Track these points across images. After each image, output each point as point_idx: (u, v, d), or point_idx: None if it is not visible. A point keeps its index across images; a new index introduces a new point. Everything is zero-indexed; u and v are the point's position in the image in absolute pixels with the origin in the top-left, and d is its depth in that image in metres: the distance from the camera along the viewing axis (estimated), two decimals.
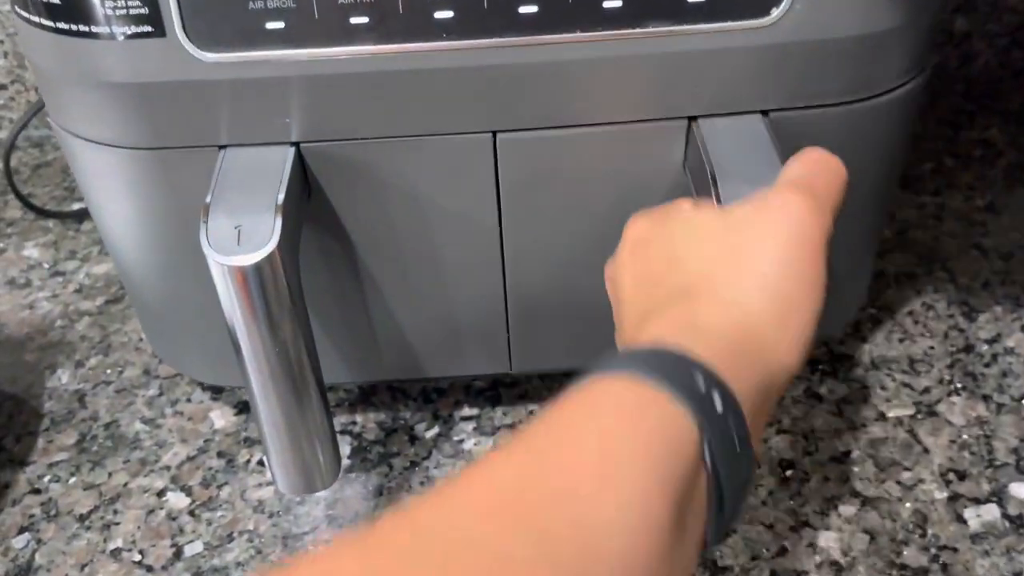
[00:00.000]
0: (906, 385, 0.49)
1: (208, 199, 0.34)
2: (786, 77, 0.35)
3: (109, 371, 0.53)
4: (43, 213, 0.65)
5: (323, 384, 0.38)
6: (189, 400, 0.52)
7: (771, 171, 0.35)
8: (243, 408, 0.51)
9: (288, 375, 0.36)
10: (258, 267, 0.33)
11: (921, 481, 0.45)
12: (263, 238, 0.33)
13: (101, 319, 0.57)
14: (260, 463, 0.48)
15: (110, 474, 0.48)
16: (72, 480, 0.47)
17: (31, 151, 0.72)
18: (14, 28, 0.69)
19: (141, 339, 0.55)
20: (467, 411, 0.50)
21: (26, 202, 0.64)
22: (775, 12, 0.34)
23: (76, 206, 0.66)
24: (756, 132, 0.36)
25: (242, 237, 0.33)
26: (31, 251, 0.63)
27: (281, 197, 0.34)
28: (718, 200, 0.33)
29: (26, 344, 0.55)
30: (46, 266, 0.61)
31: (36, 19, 0.34)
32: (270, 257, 0.33)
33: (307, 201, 0.38)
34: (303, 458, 0.38)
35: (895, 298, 0.54)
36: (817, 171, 0.32)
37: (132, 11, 0.33)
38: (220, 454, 0.48)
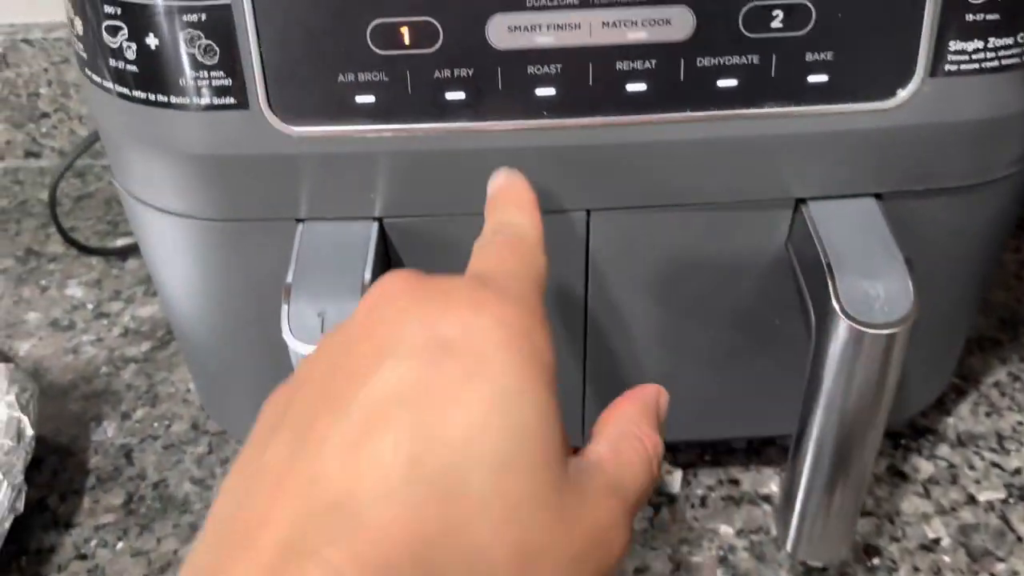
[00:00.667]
0: (995, 465, 0.47)
1: (289, 279, 0.32)
2: (905, 160, 0.33)
3: (156, 424, 0.52)
4: (86, 250, 0.63)
5: None
6: None
7: (888, 260, 0.32)
8: None
9: None
10: None
11: (1016, 573, 0.42)
12: None
13: (147, 367, 0.55)
14: None
15: (159, 540, 0.46)
16: (120, 546, 0.45)
17: (73, 181, 0.71)
18: (60, 57, 0.67)
19: (189, 390, 0.53)
20: None
21: (69, 239, 0.62)
22: (901, 94, 0.31)
23: (120, 242, 0.64)
24: (870, 216, 0.34)
25: (326, 325, 0.31)
26: (74, 290, 0.61)
27: (367, 277, 0.32)
28: (835, 296, 0.31)
29: (70, 392, 0.54)
30: (90, 306, 0.59)
31: (110, 85, 0.32)
32: None
33: None
34: None
35: (979, 367, 0.52)
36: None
37: (215, 82, 0.31)
38: None
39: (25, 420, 0.46)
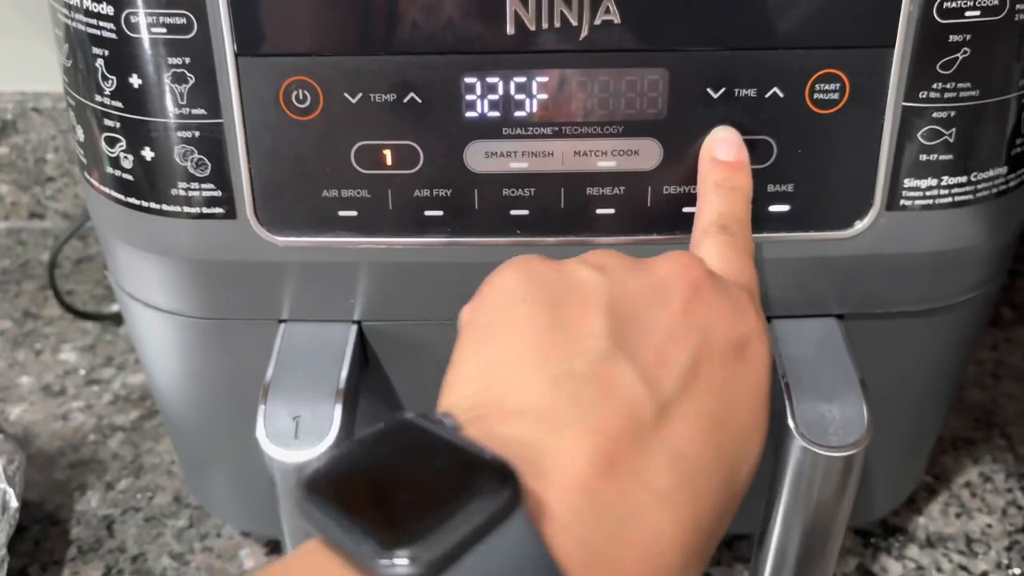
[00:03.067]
0: (963, 568, 0.47)
1: (267, 379, 0.34)
2: (864, 286, 0.34)
3: (139, 495, 0.52)
4: (82, 315, 0.64)
5: None
6: (219, 535, 0.50)
7: (845, 383, 0.34)
8: (274, 547, 0.49)
9: None
10: None
11: None
12: (322, 431, 0.32)
13: (134, 436, 0.56)
14: None
15: None
16: None
17: (75, 243, 0.72)
18: (68, 125, 0.70)
19: (173, 461, 0.54)
20: None
21: (66, 304, 0.63)
22: (859, 225, 0.33)
23: (116, 307, 0.66)
24: (831, 336, 0.35)
25: (300, 429, 0.32)
26: (68, 355, 0.62)
27: (343, 380, 0.33)
28: (792, 415, 0.32)
29: (57, 460, 0.55)
30: (82, 372, 0.61)
31: (106, 190, 0.34)
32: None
33: (364, 374, 0.37)
34: None
35: (951, 465, 0.53)
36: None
37: (206, 193, 0.32)
38: None
39: (10, 492, 0.47)
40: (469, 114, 0.31)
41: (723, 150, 0.31)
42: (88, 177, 0.35)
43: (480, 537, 0.19)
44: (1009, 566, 0.47)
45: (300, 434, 0.32)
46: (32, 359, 0.62)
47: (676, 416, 0.23)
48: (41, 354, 0.62)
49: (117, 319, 0.65)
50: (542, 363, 0.23)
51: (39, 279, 0.69)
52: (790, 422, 0.32)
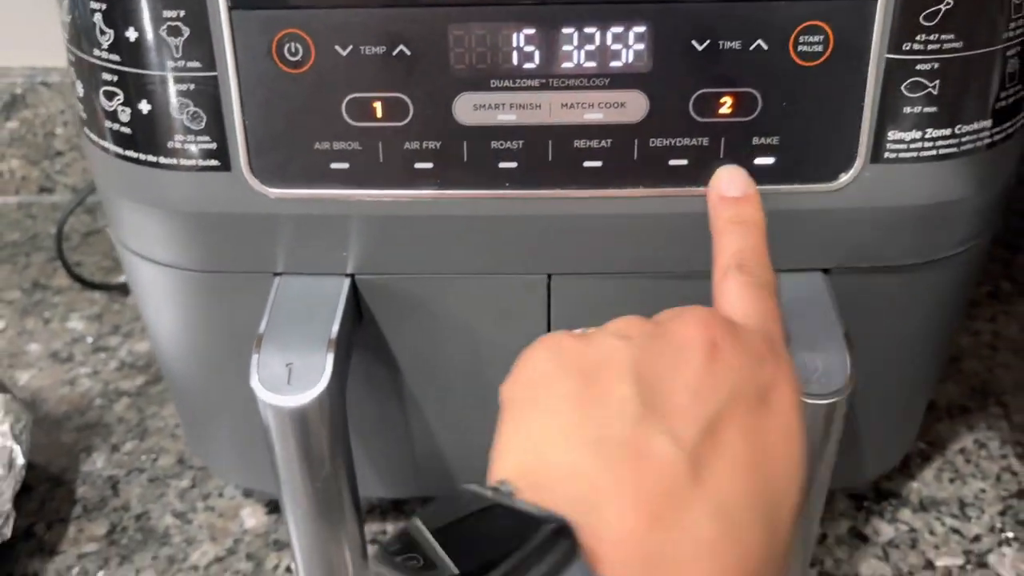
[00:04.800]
0: (955, 531, 0.48)
1: (261, 329, 0.34)
2: (849, 239, 0.35)
3: (144, 457, 0.53)
4: (90, 285, 0.65)
5: (360, 506, 0.37)
6: (221, 495, 0.51)
7: (829, 334, 0.34)
8: (274, 507, 0.50)
9: (325, 505, 0.36)
10: (306, 409, 0.32)
11: None
12: (314, 378, 0.33)
13: (140, 401, 0.57)
14: (288, 570, 0.47)
15: (138, 571, 0.47)
16: (100, 574, 0.47)
17: (83, 217, 0.74)
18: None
19: (177, 425, 0.55)
20: None
21: (74, 274, 0.64)
22: (843, 178, 0.33)
23: (123, 278, 0.67)
24: (816, 290, 0.35)
25: (293, 376, 0.33)
26: (76, 323, 0.63)
27: (335, 331, 0.34)
28: None
29: (64, 423, 0.56)
30: (89, 340, 0.62)
31: (104, 144, 0.35)
32: (319, 398, 0.32)
33: (358, 329, 0.38)
34: (333, 574, 0.38)
35: (946, 433, 0.53)
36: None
37: (201, 146, 0.33)
38: (249, 556, 0.48)
39: (17, 449, 0.48)
40: (457, 66, 0.31)
41: (730, 187, 0.32)
42: (88, 132, 0.36)
43: None
44: (1003, 529, 0.48)
45: (292, 380, 0.33)
46: (41, 327, 0.63)
47: (711, 470, 0.24)
48: (50, 322, 0.63)
49: (124, 289, 0.66)
50: (579, 431, 0.25)
51: (48, 251, 0.70)
52: None
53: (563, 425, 0.26)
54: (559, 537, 0.22)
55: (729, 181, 0.32)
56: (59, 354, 0.61)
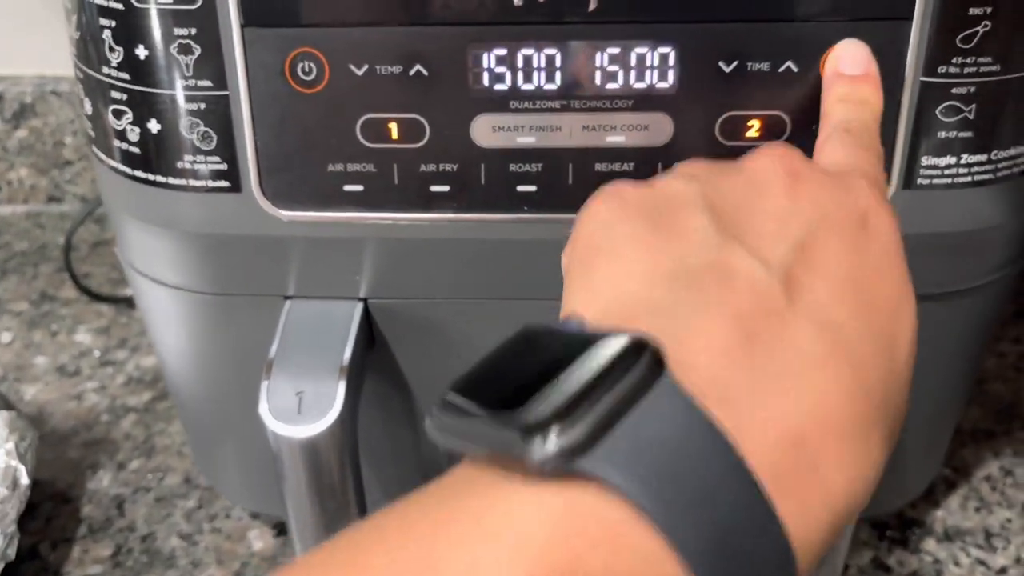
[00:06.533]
0: (981, 563, 0.46)
1: (271, 355, 0.33)
2: None
3: (150, 476, 0.52)
4: (97, 298, 0.64)
5: None
6: (228, 516, 0.50)
7: None
8: (283, 530, 0.49)
9: (335, 534, 0.35)
10: (317, 439, 0.31)
11: None
12: (325, 407, 0.32)
13: (146, 417, 0.56)
14: None
15: None
16: None
17: (91, 227, 0.73)
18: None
19: (184, 442, 0.54)
20: None
21: (82, 286, 0.64)
22: None
23: (131, 290, 0.66)
24: None
25: (303, 405, 0.32)
26: (83, 336, 0.63)
27: (347, 358, 0.33)
28: None
29: (70, 439, 0.55)
30: (96, 353, 0.61)
31: (113, 163, 0.34)
32: (330, 428, 0.31)
33: (370, 354, 0.37)
34: None
35: (971, 458, 0.52)
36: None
37: (211, 166, 0.32)
38: None
39: (22, 469, 0.47)
40: (475, 87, 0.30)
41: (851, 64, 0.29)
42: (96, 151, 0.35)
43: (628, 406, 0.18)
44: None
45: (303, 410, 0.32)
46: (48, 340, 0.62)
47: (808, 287, 0.22)
48: (57, 335, 0.63)
49: (132, 302, 0.65)
50: (656, 268, 0.23)
51: (56, 262, 0.69)
52: None
53: (634, 266, 0.23)
54: (639, 354, 0.19)
55: (850, 57, 0.29)
56: (66, 368, 0.60)
